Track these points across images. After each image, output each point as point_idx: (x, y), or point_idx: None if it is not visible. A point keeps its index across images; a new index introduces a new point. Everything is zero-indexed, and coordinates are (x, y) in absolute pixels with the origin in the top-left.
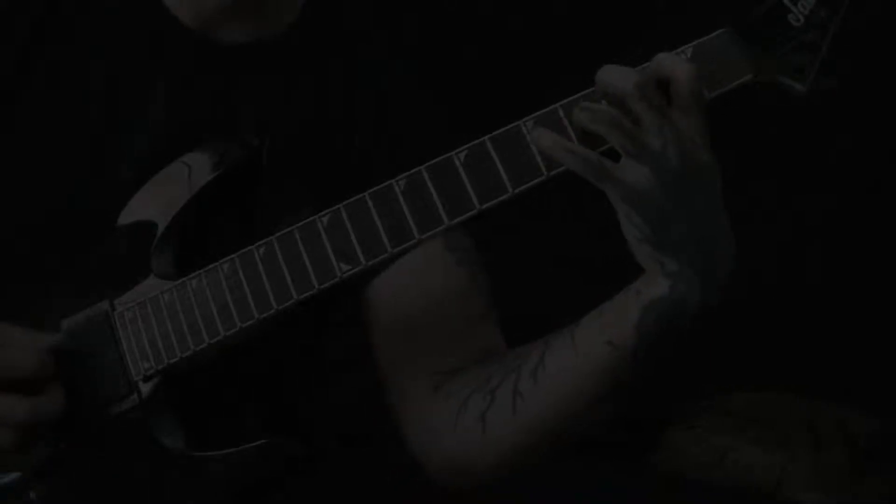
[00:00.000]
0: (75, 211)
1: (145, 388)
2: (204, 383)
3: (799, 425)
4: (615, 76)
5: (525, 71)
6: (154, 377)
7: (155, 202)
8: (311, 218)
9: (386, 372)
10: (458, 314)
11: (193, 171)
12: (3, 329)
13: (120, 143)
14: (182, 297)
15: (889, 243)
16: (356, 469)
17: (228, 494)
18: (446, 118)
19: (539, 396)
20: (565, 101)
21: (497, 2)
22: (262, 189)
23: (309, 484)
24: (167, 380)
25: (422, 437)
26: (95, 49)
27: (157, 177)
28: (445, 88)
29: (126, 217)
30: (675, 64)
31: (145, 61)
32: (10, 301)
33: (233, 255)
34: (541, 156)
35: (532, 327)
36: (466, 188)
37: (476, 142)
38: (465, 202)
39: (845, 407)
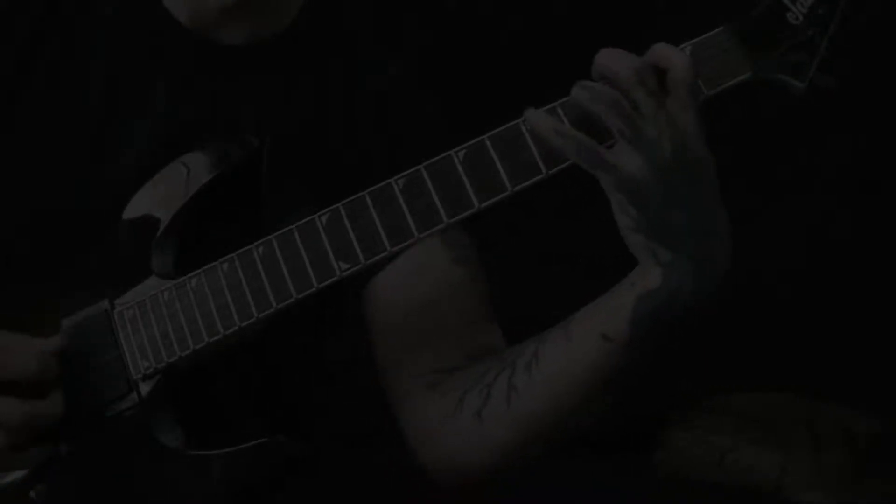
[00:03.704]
0: (75, 211)
1: (145, 388)
2: (204, 382)
3: (799, 425)
4: (614, 59)
5: (525, 71)
6: (154, 376)
7: (155, 201)
8: (311, 217)
9: (384, 369)
10: (456, 312)
11: (193, 171)
12: (4, 333)
13: (120, 143)
14: (181, 297)
15: (889, 243)
16: (356, 469)
17: (228, 494)
18: (446, 118)
19: (534, 390)
20: (564, 100)
21: (497, 2)
22: (262, 189)
23: (309, 484)
24: (167, 379)
25: (419, 435)
26: (95, 49)
27: (157, 177)
28: (445, 88)
29: (127, 216)
30: (672, 54)
31: (145, 61)
32: (10, 301)
33: (232, 255)
34: (537, 147)
35: (532, 326)
36: (465, 187)
37: (475, 140)
38: (464, 201)
39: (846, 407)
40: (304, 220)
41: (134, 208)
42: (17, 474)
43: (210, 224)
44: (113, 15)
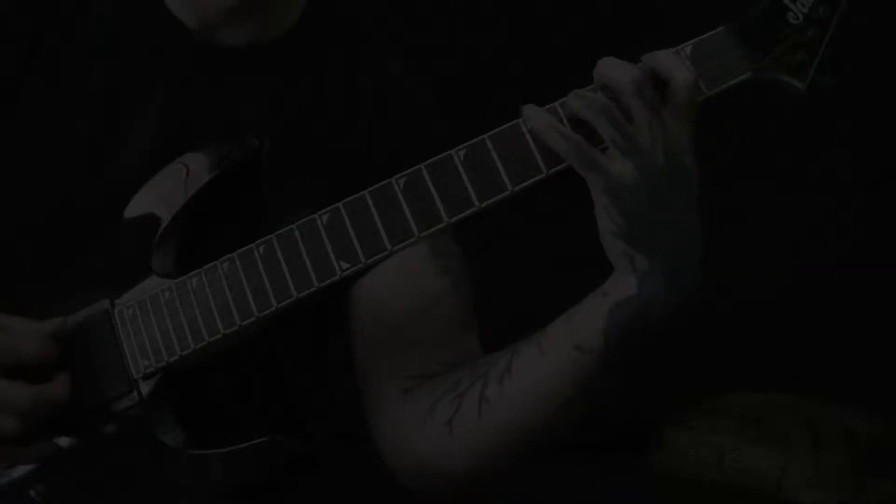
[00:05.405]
0: (75, 210)
1: (145, 387)
2: (204, 382)
3: (799, 425)
4: (614, 68)
5: (525, 70)
6: (154, 375)
7: (155, 201)
8: (311, 216)
9: (360, 371)
10: (437, 320)
11: (193, 171)
12: (4, 316)
13: (120, 143)
14: (182, 296)
15: (889, 243)
16: (356, 469)
17: (228, 493)
18: (446, 118)
19: (505, 402)
20: (563, 100)
21: (497, 2)
22: (262, 189)
23: (309, 484)
24: (167, 378)
25: (392, 440)
26: (95, 49)
27: (157, 177)
28: (445, 88)
29: (127, 215)
30: (676, 67)
31: (145, 61)
32: (10, 301)
33: (232, 254)
34: (537, 146)
35: (529, 329)
36: (466, 186)
37: (475, 140)
38: (464, 200)
39: (846, 407)
40: (304, 220)
41: (134, 208)
42: (17, 472)
43: (210, 224)
44: (113, 15)
